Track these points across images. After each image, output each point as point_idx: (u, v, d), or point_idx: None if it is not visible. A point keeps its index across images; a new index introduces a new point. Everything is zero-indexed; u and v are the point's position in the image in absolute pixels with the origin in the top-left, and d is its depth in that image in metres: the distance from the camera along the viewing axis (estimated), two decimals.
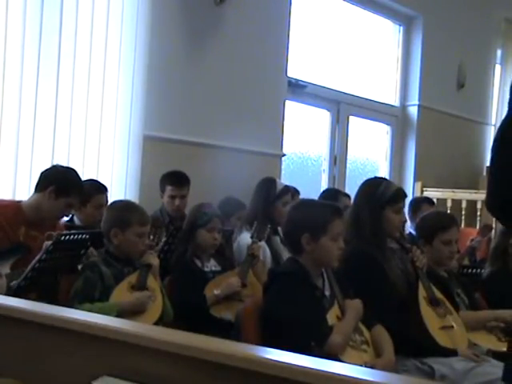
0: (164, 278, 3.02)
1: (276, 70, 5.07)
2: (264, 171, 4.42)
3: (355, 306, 2.41)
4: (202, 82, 4.51)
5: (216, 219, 3.19)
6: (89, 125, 3.85)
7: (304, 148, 5.75)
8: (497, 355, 2.68)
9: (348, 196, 4.54)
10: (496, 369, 2.45)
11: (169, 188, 3.90)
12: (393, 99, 6.57)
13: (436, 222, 3.06)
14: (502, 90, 7.52)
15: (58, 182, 2.88)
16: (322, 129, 5.88)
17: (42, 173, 3.00)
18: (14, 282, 2.54)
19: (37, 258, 2.56)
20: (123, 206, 2.86)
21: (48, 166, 3.43)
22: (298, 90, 5.39)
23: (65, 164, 3.58)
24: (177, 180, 3.91)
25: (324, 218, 2.41)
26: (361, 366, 2.15)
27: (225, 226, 3.45)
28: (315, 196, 4.65)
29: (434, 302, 2.70)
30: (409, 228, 4.55)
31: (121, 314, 2.49)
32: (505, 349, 2.77)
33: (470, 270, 3.47)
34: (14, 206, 2.91)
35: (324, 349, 2.19)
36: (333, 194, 4.49)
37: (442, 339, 2.59)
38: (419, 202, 4.88)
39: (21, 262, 2.69)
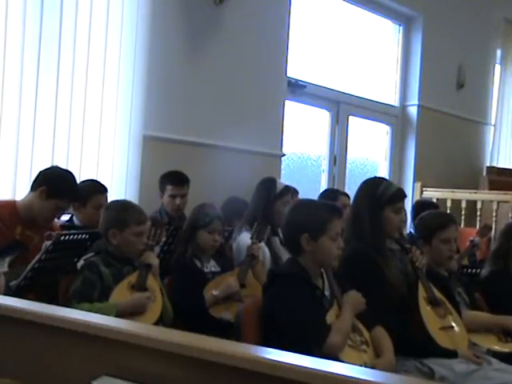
0: (164, 278, 3.02)
1: (276, 70, 5.07)
2: (264, 171, 4.42)
3: (350, 300, 2.41)
4: (201, 81, 4.51)
5: (217, 221, 3.18)
6: (88, 125, 3.85)
7: (304, 148, 5.75)
8: (497, 355, 2.69)
9: (347, 195, 4.54)
10: (497, 373, 2.45)
11: (169, 188, 3.90)
12: (392, 99, 6.57)
13: (434, 222, 3.06)
14: (502, 90, 7.52)
15: (51, 183, 2.88)
16: (322, 129, 5.88)
17: (39, 172, 3.01)
18: (14, 282, 2.54)
19: (36, 257, 2.56)
20: (120, 206, 2.85)
21: (48, 165, 3.44)
22: (298, 89, 5.39)
23: (64, 164, 3.59)
24: (177, 179, 3.91)
25: (323, 217, 2.41)
26: (360, 366, 2.15)
27: (228, 225, 3.45)
28: (315, 196, 4.65)
29: (434, 303, 2.70)
30: (409, 228, 4.55)
31: (120, 314, 2.49)
32: (505, 349, 2.78)
33: (469, 270, 3.47)
34: (9, 206, 2.91)
35: (323, 349, 2.19)
36: (331, 194, 4.49)
37: (441, 340, 2.59)
38: (423, 206, 4.74)
39: (18, 260, 2.69)
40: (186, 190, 3.93)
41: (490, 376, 2.41)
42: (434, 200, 6.17)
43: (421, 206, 4.70)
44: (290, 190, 3.97)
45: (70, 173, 3.04)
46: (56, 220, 3.15)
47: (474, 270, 3.47)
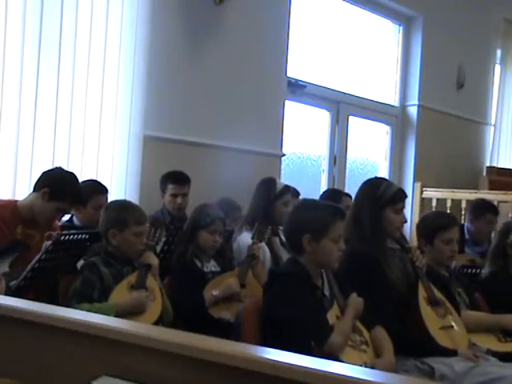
0: (164, 278, 3.02)
1: (276, 70, 5.07)
2: (264, 171, 4.42)
3: (354, 303, 2.41)
4: (201, 81, 4.51)
5: (218, 221, 3.18)
6: (89, 125, 3.85)
7: (304, 148, 5.75)
8: (496, 355, 2.69)
9: (350, 196, 4.54)
10: (495, 368, 2.45)
11: (170, 187, 3.91)
12: (392, 99, 6.57)
13: (436, 222, 3.06)
14: (502, 90, 7.52)
15: (54, 184, 2.87)
16: (322, 129, 5.88)
17: (43, 173, 3.00)
18: (14, 282, 2.54)
19: (36, 258, 2.56)
20: (120, 206, 2.86)
21: (48, 166, 3.44)
22: (298, 90, 5.38)
23: (65, 164, 3.59)
24: (178, 178, 3.92)
25: (326, 219, 2.41)
26: (360, 366, 2.15)
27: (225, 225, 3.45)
28: (315, 196, 4.65)
29: (433, 302, 2.70)
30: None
31: (119, 314, 2.49)
32: (504, 349, 2.78)
33: (469, 270, 3.47)
34: (11, 206, 2.91)
35: (324, 349, 2.19)
36: (335, 195, 4.49)
37: (441, 339, 2.59)
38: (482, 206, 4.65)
39: (19, 259, 2.69)
40: (187, 189, 3.94)
41: (489, 371, 2.41)
42: (434, 200, 6.18)
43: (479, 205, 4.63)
44: (290, 190, 3.97)
45: (74, 175, 3.03)
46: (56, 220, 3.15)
47: (473, 270, 3.47)
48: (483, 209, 4.58)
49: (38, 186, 2.91)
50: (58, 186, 2.88)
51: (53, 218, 2.96)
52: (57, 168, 3.09)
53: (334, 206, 2.56)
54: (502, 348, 2.79)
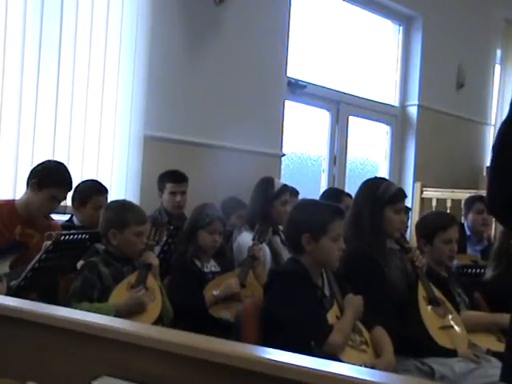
0: (164, 278, 3.02)
1: (276, 70, 5.07)
2: (264, 171, 4.41)
3: (354, 302, 2.41)
4: (201, 81, 4.51)
5: (218, 221, 3.18)
6: (89, 125, 3.85)
7: (303, 148, 5.75)
8: (496, 355, 2.68)
9: (350, 196, 4.53)
10: (497, 370, 2.45)
11: (169, 185, 3.91)
12: (392, 99, 6.57)
13: (436, 222, 3.06)
14: (502, 90, 7.51)
15: (40, 174, 2.92)
16: (322, 129, 5.88)
17: (31, 169, 3.02)
18: (14, 282, 2.54)
19: (36, 257, 2.56)
20: (120, 206, 2.86)
21: None
22: (298, 89, 5.38)
23: (65, 163, 3.59)
24: (176, 177, 3.93)
25: (325, 218, 2.41)
26: (360, 366, 2.15)
27: (225, 225, 3.45)
28: (315, 196, 4.64)
29: (433, 302, 2.70)
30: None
31: (119, 314, 2.49)
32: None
33: (470, 270, 3.47)
34: (8, 206, 2.92)
35: (324, 348, 2.19)
36: (335, 194, 4.49)
37: (441, 339, 2.59)
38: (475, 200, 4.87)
39: (19, 260, 2.69)
40: (186, 187, 3.95)
41: (490, 374, 2.41)
42: (434, 200, 6.17)
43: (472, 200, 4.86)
44: (288, 189, 3.96)
45: (61, 163, 3.07)
46: (56, 220, 3.15)
47: (474, 270, 3.46)
48: (471, 201, 4.88)
49: (27, 182, 2.93)
50: (43, 174, 2.92)
51: (48, 207, 2.97)
52: (44, 161, 3.11)
53: (333, 205, 2.56)
54: (502, 348, 2.78)
